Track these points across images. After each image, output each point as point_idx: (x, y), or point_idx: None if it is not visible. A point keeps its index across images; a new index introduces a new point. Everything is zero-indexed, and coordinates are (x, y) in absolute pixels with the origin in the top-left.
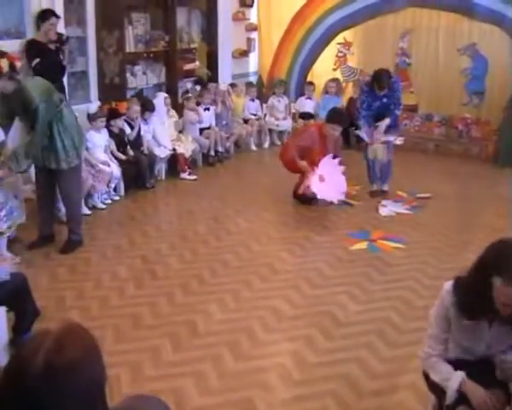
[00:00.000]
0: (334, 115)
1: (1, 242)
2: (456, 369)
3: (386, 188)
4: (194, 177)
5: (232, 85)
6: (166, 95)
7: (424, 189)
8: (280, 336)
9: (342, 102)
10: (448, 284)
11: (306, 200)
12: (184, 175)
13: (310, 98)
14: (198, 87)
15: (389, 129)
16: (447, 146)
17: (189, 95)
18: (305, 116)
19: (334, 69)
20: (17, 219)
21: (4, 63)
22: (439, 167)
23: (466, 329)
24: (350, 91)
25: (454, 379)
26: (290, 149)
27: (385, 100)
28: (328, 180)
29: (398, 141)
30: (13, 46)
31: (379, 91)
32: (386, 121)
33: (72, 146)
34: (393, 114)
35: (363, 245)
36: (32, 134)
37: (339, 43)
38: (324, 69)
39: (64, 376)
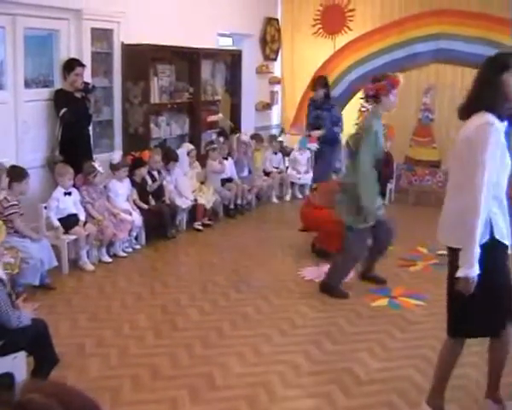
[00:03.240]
0: None
1: None
2: None
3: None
4: (200, 227)
5: (254, 136)
6: (192, 147)
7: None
8: (299, 393)
9: None
10: (485, 118)
11: (325, 253)
12: (196, 224)
13: None
14: (221, 139)
15: (328, 142)
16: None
17: (215, 145)
18: None
19: (357, 124)
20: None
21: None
22: None
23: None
24: None
25: (476, 269)
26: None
27: (319, 112)
28: None
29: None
30: (41, 95)
31: (314, 93)
32: (320, 132)
33: None
34: (331, 130)
35: (384, 302)
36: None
37: (362, 98)
38: (347, 124)
39: None
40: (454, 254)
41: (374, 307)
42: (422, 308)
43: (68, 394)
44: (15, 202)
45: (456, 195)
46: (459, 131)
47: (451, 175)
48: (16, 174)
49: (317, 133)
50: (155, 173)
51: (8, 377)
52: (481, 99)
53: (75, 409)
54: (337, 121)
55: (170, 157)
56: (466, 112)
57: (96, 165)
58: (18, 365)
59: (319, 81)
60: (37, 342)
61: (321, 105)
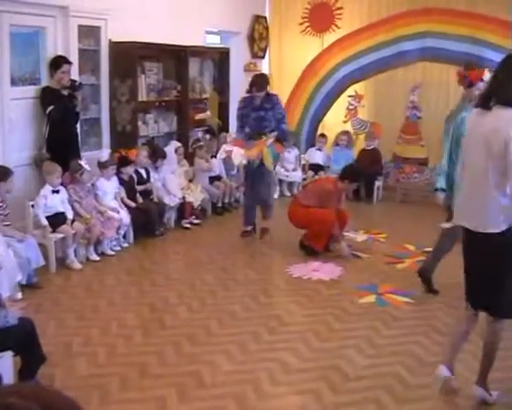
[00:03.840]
0: (352, 172)
1: None
2: None
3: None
4: (188, 225)
5: None
6: (179, 144)
7: (432, 242)
8: (287, 390)
9: (353, 154)
10: None
11: (313, 251)
12: (183, 222)
13: (320, 150)
14: (208, 136)
15: (280, 142)
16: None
17: (201, 143)
18: (315, 168)
19: (345, 121)
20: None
21: None
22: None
23: None
24: (360, 144)
25: None
26: (332, 216)
27: (262, 113)
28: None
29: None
30: (27, 92)
31: (257, 93)
32: (273, 135)
33: None
34: (280, 129)
35: (372, 298)
36: None
37: (350, 96)
38: (335, 121)
39: None
40: (482, 237)
41: (361, 304)
42: (409, 305)
43: (48, 396)
44: None
45: (482, 182)
46: (478, 121)
47: (474, 163)
48: (2, 174)
49: (271, 136)
50: (143, 171)
51: None
52: (498, 95)
53: None
54: (282, 118)
55: (157, 155)
56: (488, 102)
57: (83, 163)
58: (5, 364)
59: (265, 80)
60: (24, 341)
61: (262, 105)
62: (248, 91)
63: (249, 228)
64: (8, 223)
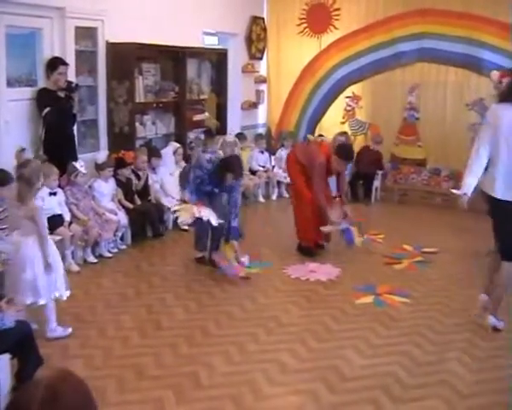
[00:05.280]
0: (345, 150)
1: None
2: None
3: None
4: (186, 227)
5: (237, 135)
6: (178, 145)
7: (430, 243)
8: (284, 390)
9: None
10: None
11: (310, 252)
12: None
13: None
14: (201, 136)
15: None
16: (455, 200)
17: (193, 145)
18: None
19: (343, 122)
20: None
21: None
22: (446, 222)
23: None
24: (358, 145)
25: None
26: (317, 190)
27: (217, 190)
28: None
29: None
30: (24, 94)
31: (232, 181)
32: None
33: None
34: (232, 227)
35: (369, 299)
36: None
37: (347, 97)
38: (333, 122)
39: None
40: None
41: (359, 305)
42: (407, 305)
43: (63, 387)
44: None
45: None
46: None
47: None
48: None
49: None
50: (141, 173)
51: None
52: None
53: (63, 396)
54: (235, 208)
55: (152, 154)
56: None
57: (78, 165)
58: (2, 367)
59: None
60: (21, 343)
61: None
62: (222, 174)
63: (201, 254)
64: (4, 226)
